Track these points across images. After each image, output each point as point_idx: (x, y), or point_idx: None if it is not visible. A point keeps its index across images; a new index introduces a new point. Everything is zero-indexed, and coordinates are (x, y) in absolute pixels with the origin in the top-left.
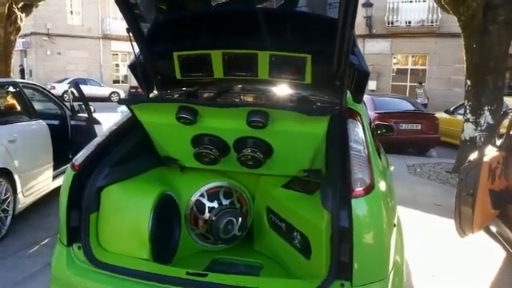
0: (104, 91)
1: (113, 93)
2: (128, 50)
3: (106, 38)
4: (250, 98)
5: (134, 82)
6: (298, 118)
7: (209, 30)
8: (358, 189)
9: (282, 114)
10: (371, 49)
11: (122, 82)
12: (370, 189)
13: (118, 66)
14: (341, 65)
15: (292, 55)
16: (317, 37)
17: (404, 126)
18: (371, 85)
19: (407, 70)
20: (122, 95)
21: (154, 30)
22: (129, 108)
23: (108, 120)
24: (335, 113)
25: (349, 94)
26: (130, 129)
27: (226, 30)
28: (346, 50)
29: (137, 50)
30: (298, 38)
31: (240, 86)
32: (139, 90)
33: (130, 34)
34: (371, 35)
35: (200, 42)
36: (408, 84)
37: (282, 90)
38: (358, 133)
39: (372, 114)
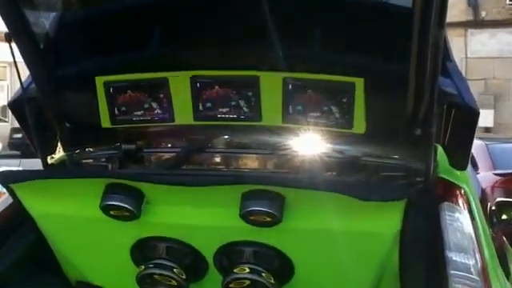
0: None
1: None
2: (7, 58)
3: None
4: (246, 164)
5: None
6: (341, 205)
7: (164, 32)
8: None
9: (310, 198)
10: (480, 49)
11: None
12: None
13: None
14: (422, 97)
15: (327, 79)
16: (374, 44)
17: None
18: (484, 118)
19: None
20: None
21: (58, 37)
22: (6, 188)
23: None
24: (416, 193)
25: (441, 153)
26: (10, 227)
27: (198, 32)
28: (432, 68)
29: (25, 73)
30: (336, 46)
31: (226, 138)
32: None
33: (13, 45)
34: (478, 23)
35: (147, 55)
36: None
37: (309, 146)
38: (461, 229)
39: (488, 178)
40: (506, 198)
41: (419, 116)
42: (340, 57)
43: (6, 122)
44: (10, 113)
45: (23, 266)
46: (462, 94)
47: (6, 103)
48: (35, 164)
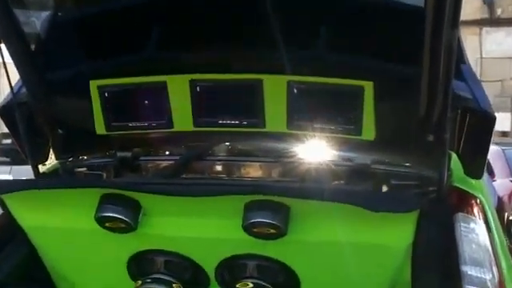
0: None
1: None
2: None
3: None
4: (248, 173)
5: None
6: (350, 216)
7: (162, 33)
8: None
9: (317, 209)
10: (496, 48)
11: None
12: None
13: None
14: (435, 101)
15: (334, 82)
16: (384, 45)
17: None
18: (501, 122)
19: None
20: None
21: (51, 38)
22: None
23: None
24: (428, 204)
25: (455, 160)
26: (0, 240)
27: (198, 33)
28: (445, 71)
29: (15, 78)
30: (344, 47)
31: (228, 145)
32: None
33: (3, 46)
34: (494, 21)
35: (144, 57)
36: None
37: (315, 153)
38: (477, 241)
39: (504, 186)
40: None
41: (432, 121)
42: (348, 59)
43: None
44: None
45: (14, 280)
46: (477, 98)
47: None
48: (27, 171)
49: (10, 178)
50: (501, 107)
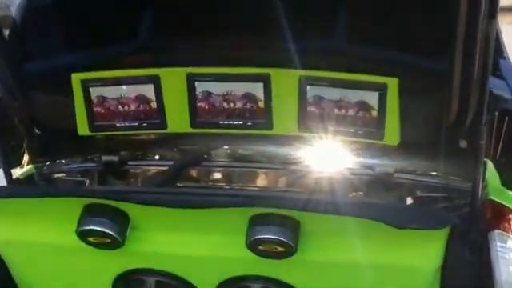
0: None
1: None
2: None
3: None
4: (253, 181)
5: None
6: (370, 233)
7: (155, 20)
8: None
9: (332, 225)
10: None
11: None
12: None
13: None
14: (468, 102)
15: (352, 79)
16: (411, 37)
17: None
18: None
19: None
20: None
21: (27, 26)
22: None
23: None
24: (461, 220)
25: (491, 170)
26: None
27: (197, 21)
28: (481, 67)
29: None
30: (365, 39)
31: (230, 149)
32: None
33: None
34: None
35: (134, 48)
36: None
37: (330, 160)
38: None
39: None
40: None
41: (465, 125)
42: (369, 52)
43: None
44: None
45: None
46: None
47: None
48: None
49: None
50: None
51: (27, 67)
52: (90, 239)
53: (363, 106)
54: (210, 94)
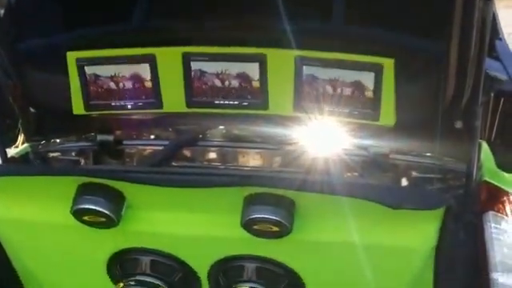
0: None
1: None
2: None
3: None
4: (248, 161)
5: None
6: (365, 213)
7: None
8: None
9: (327, 205)
10: None
11: None
12: None
13: None
14: (464, 83)
15: (348, 59)
16: (407, 17)
17: None
18: None
19: None
20: None
21: (22, 3)
22: None
23: None
24: (456, 200)
25: (487, 151)
26: None
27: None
28: (478, 48)
29: None
30: (361, 19)
31: (225, 129)
32: None
33: None
34: None
35: (130, 26)
36: None
37: (325, 140)
38: (509, 244)
39: None
40: None
41: (461, 106)
42: (365, 32)
43: None
44: None
45: None
46: None
47: None
48: None
49: None
50: None
51: (22, 46)
52: (85, 218)
53: (359, 86)
54: (205, 73)
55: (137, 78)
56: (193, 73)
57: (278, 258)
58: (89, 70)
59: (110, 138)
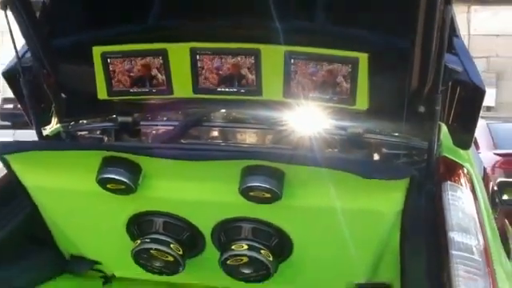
0: None
1: None
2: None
3: None
4: (245, 139)
5: (10, 93)
6: (343, 182)
7: (164, 2)
8: None
9: (311, 175)
10: (483, 26)
11: None
12: None
13: None
14: (427, 74)
15: (330, 53)
16: (379, 18)
17: None
18: (486, 97)
19: None
20: None
21: (55, 6)
22: (1, 159)
23: None
24: (418, 172)
25: (445, 131)
26: (3, 199)
27: (199, 3)
28: (438, 44)
29: (20, 42)
30: (341, 20)
31: (226, 112)
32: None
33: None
34: (482, 0)
35: (146, 26)
36: None
37: (310, 122)
38: (464, 209)
39: (489, 157)
40: (507, 178)
41: (424, 93)
42: (344, 31)
43: None
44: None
45: (16, 239)
46: (468, 72)
47: None
48: (29, 136)
49: None
50: (486, 83)
51: (54, 41)
52: (108, 186)
53: (338, 76)
54: (209, 64)
55: (151, 69)
56: (199, 64)
57: (270, 220)
58: (111, 61)
59: (129, 119)
